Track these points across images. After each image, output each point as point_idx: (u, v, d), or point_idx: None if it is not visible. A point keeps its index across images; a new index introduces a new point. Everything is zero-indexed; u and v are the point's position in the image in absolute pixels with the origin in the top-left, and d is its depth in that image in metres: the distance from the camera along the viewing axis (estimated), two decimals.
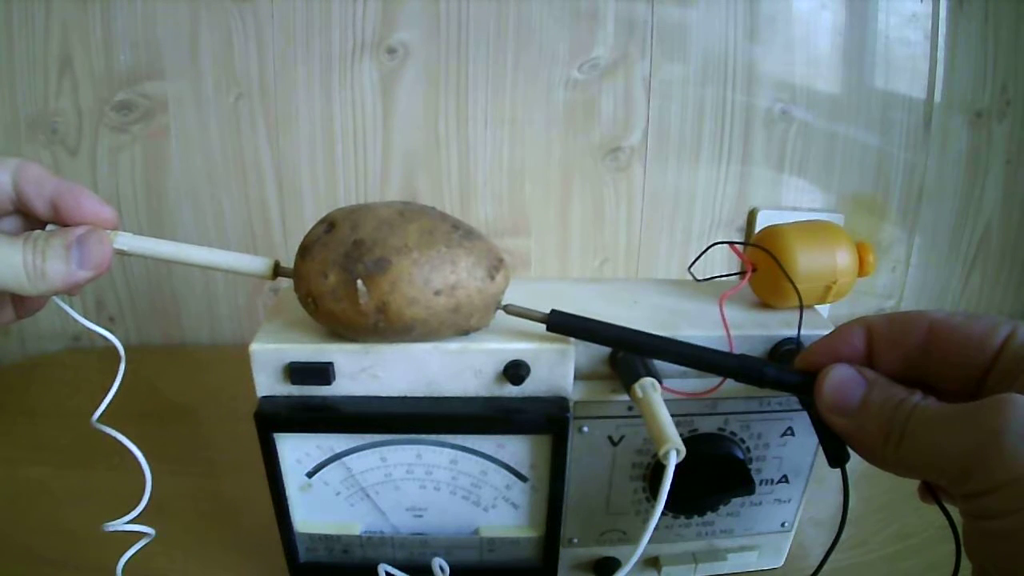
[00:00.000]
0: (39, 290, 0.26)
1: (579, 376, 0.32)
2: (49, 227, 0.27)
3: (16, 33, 0.57)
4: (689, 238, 0.69)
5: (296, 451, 0.32)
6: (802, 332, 0.31)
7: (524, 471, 0.33)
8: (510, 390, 0.31)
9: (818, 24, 0.64)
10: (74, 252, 0.26)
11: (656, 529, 0.26)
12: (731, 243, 0.35)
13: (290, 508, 0.33)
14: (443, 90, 0.62)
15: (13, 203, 0.27)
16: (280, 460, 0.32)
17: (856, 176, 0.69)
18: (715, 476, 0.32)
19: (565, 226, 0.68)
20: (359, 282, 0.27)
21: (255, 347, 0.30)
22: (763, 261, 0.33)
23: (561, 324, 0.29)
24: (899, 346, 0.25)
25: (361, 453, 0.32)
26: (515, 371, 0.30)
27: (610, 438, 0.33)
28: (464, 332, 0.30)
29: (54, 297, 0.28)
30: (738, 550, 0.38)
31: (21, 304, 0.29)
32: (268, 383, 0.30)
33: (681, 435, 0.27)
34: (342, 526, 0.34)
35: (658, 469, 0.33)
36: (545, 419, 0.31)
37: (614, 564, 0.36)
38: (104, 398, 0.29)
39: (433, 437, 0.32)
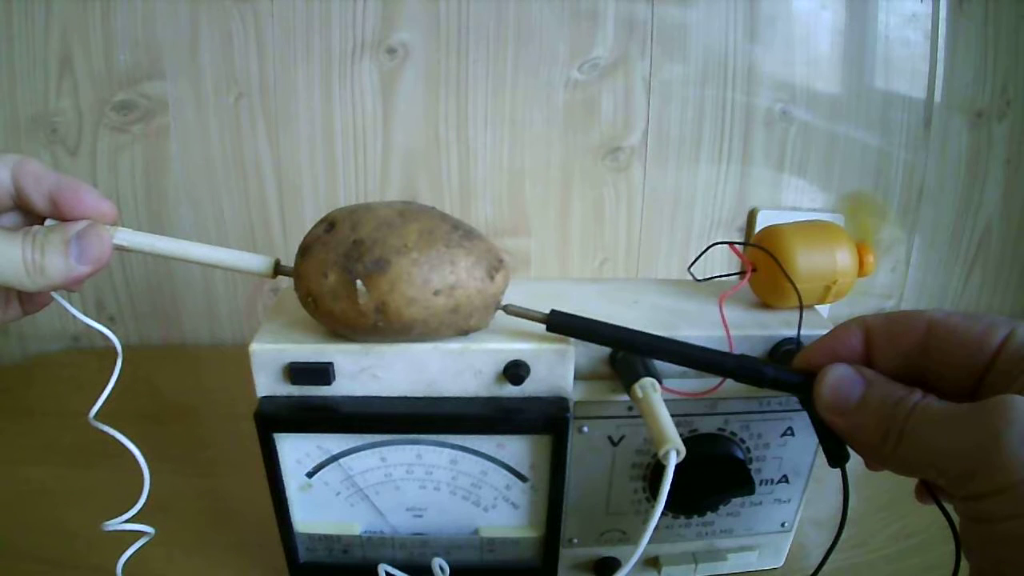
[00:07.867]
0: (38, 285, 0.26)
1: (579, 376, 0.32)
2: (48, 222, 0.27)
3: (16, 33, 0.57)
4: (689, 238, 0.69)
5: (296, 451, 0.32)
6: (802, 332, 0.31)
7: (524, 471, 0.33)
8: (510, 390, 0.31)
9: (818, 24, 0.64)
10: (73, 247, 0.26)
11: (656, 529, 0.26)
12: (731, 243, 0.35)
13: (290, 508, 0.33)
14: (443, 90, 0.62)
15: (12, 199, 0.27)
16: (280, 460, 0.32)
17: (856, 176, 0.69)
18: (715, 476, 0.32)
19: (565, 226, 0.68)
20: (359, 282, 0.27)
21: (255, 347, 0.30)
22: (763, 261, 0.33)
23: (561, 324, 0.29)
24: (897, 346, 0.25)
25: (361, 453, 0.32)
26: (515, 371, 0.30)
27: (610, 438, 0.33)
28: (464, 332, 0.30)
29: (54, 293, 0.28)
30: (738, 550, 0.38)
31: (29, 300, 0.29)
32: (268, 383, 0.30)
33: (681, 435, 0.27)
34: (342, 526, 0.34)
35: (658, 469, 0.33)
36: (545, 419, 0.31)
37: (614, 564, 0.36)
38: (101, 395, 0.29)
39: (433, 437, 0.32)
